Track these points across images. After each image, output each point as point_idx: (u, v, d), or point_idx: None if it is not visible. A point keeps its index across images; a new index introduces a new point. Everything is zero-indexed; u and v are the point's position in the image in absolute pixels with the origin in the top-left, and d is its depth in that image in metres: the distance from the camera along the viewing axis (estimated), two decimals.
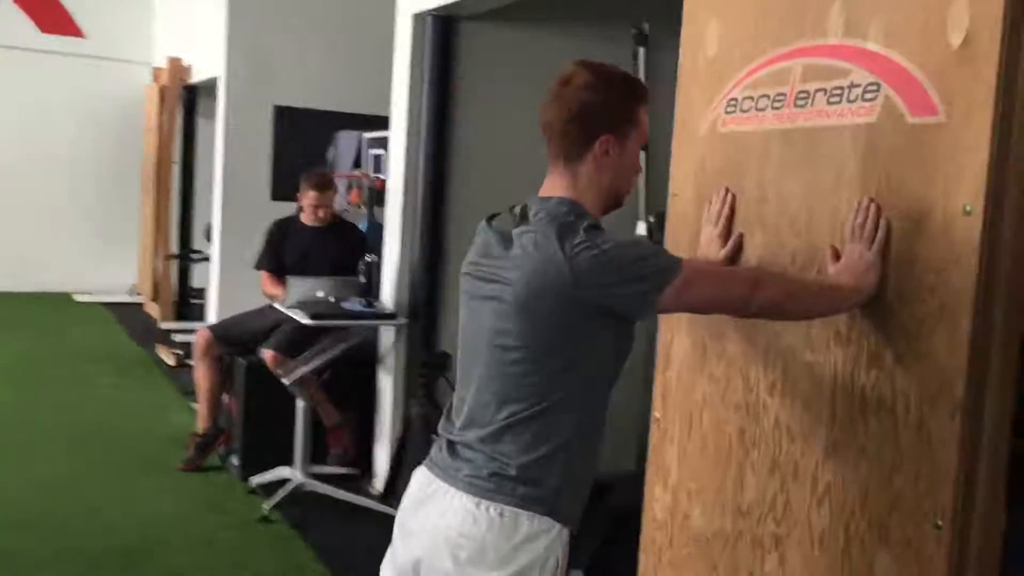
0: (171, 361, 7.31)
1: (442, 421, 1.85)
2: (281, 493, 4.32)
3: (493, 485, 1.68)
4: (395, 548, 1.83)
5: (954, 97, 1.69)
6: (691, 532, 2.30)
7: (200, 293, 8.80)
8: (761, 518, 2.10)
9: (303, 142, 6.80)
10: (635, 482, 3.84)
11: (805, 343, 1.98)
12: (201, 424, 4.96)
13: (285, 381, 4.38)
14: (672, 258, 1.71)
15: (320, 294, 4.48)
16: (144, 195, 9.84)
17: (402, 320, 4.56)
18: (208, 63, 7.90)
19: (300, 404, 4.44)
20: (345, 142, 6.20)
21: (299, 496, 4.40)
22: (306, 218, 4.92)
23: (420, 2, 4.51)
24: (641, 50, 4.26)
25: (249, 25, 6.90)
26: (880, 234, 1.80)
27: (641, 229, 4.11)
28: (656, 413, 2.42)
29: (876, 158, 1.83)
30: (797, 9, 2.02)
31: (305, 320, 4.29)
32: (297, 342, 4.55)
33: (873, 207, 1.81)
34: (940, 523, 1.71)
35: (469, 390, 1.78)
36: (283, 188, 6.84)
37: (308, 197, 4.85)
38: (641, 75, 4.20)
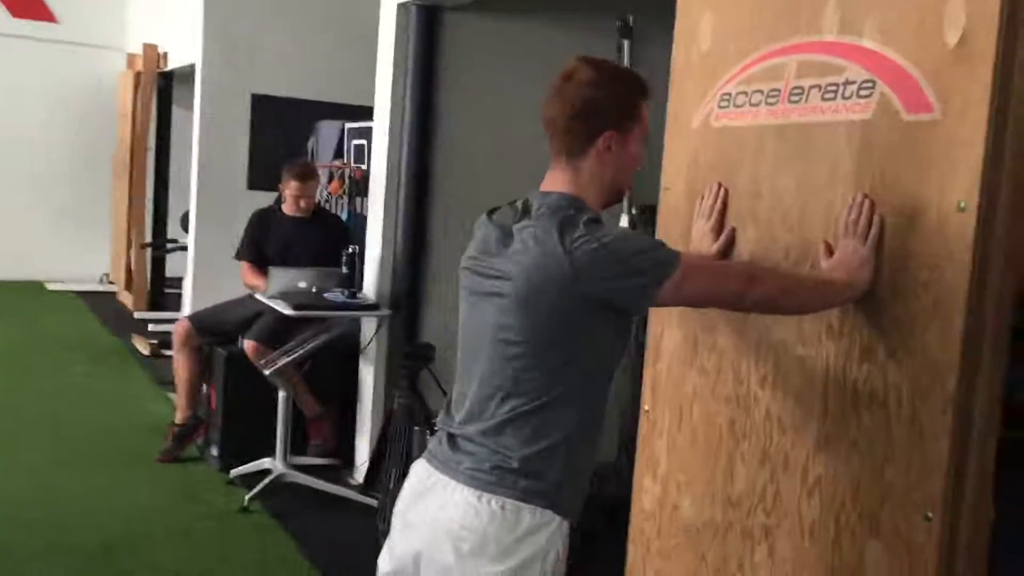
0: (146, 351, 7.26)
1: (441, 415, 1.85)
2: (262, 484, 4.30)
3: (495, 478, 1.69)
4: (393, 540, 1.83)
5: (950, 95, 1.71)
6: (680, 523, 2.32)
7: (174, 282, 8.74)
8: (751, 509, 2.12)
9: (281, 131, 6.76)
10: (616, 471, 3.89)
11: (797, 337, 2.00)
12: (179, 415, 4.93)
13: (266, 372, 4.36)
14: (671, 252, 1.72)
15: (302, 285, 4.46)
16: (117, 183, 9.74)
17: (385, 311, 4.55)
18: (184, 50, 7.82)
19: (282, 394, 4.42)
20: (326, 132, 6.16)
21: (279, 487, 4.39)
22: (288, 208, 4.90)
23: None
24: (626, 42, 4.26)
25: (227, 11, 6.84)
26: (874, 230, 1.82)
27: (624, 222, 4.12)
28: (646, 405, 2.43)
29: (871, 154, 1.85)
30: (793, 5, 2.03)
31: (288, 311, 4.27)
32: (279, 332, 4.53)
33: (867, 203, 1.83)
34: (930, 514, 1.74)
35: (471, 385, 1.78)
36: (260, 177, 6.82)
37: (290, 187, 4.82)
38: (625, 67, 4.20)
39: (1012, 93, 1.65)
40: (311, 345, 4.43)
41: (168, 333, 7.58)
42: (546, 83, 5.24)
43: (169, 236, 9.09)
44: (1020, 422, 2.17)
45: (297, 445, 4.62)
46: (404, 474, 4.31)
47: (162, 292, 9.12)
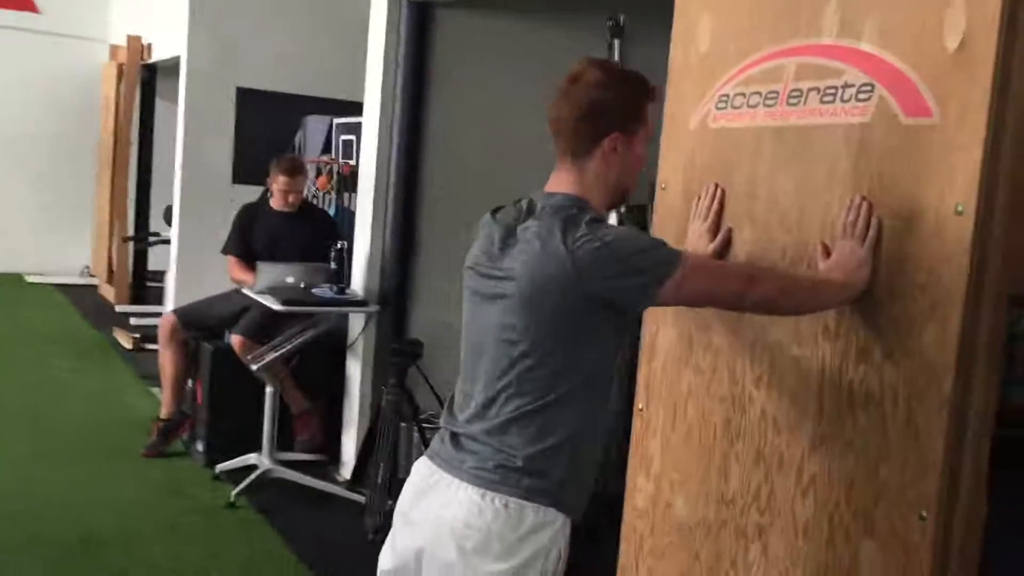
0: (129, 344, 7.21)
1: (444, 414, 1.86)
2: (248, 479, 4.29)
3: (499, 477, 1.70)
4: (395, 537, 1.84)
5: (948, 99, 1.72)
6: (674, 521, 2.33)
7: (156, 276, 8.68)
8: (745, 508, 2.13)
9: (267, 125, 6.73)
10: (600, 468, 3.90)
11: (793, 337, 2.02)
12: (165, 409, 4.91)
13: (253, 367, 4.35)
14: (672, 251, 1.73)
15: (290, 280, 4.45)
16: (100, 176, 9.67)
17: (373, 307, 4.54)
18: (169, 42, 7.77)
19: (269, 390, 4.41)
20: (314, 127, 6.14)
21: (265, 482, 4.38)
22: (276, 203, 4.88)
23: None
24: (616, 41, 4.27)
25: (214, 4, 6.79)
26: (871, 232, 1.83)
27: (612, 219, 4.14)
28: (639, 404, 2.45)
29: (869, 157, 1.87)
30: (792, 7, 2.04)
31: (276, 306, 4.26)
32: (266, 328, 4.52)
33: (865, 205, 1.85)
34: (925, 514, 1.76)
35: (475, 386, 1.79)
36: (245, 171, 6.79)
37: (278, 182, 4.80)
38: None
39: (1011, 97, 1.67)
40: (299, 340, 4.42)
41: (150, 327, 7.57)
42: (536, 81, 5.24)
43: (151, 229, 9.04)
44: (1012, 422, 2.19)
45: (283, 441, 4.61)
46: (392, 470, 4.34)
47: (144, 286, 9.07)
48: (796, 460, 2.02)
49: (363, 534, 3.98)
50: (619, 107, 1.77)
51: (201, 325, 4.84)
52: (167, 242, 7.54)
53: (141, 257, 9.13)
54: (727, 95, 2.20)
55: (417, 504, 1.79)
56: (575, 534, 1.77)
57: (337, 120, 5.82)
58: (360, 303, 4.54)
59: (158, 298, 8.27)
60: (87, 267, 10.31)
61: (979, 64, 1.67)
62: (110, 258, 9.33)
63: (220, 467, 4.53)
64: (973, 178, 1.68)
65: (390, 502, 4.03)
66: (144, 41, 8.89)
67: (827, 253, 1.91)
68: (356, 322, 4.73)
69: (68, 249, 10.19)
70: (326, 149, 5.96)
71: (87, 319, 8.29)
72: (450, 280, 4.64)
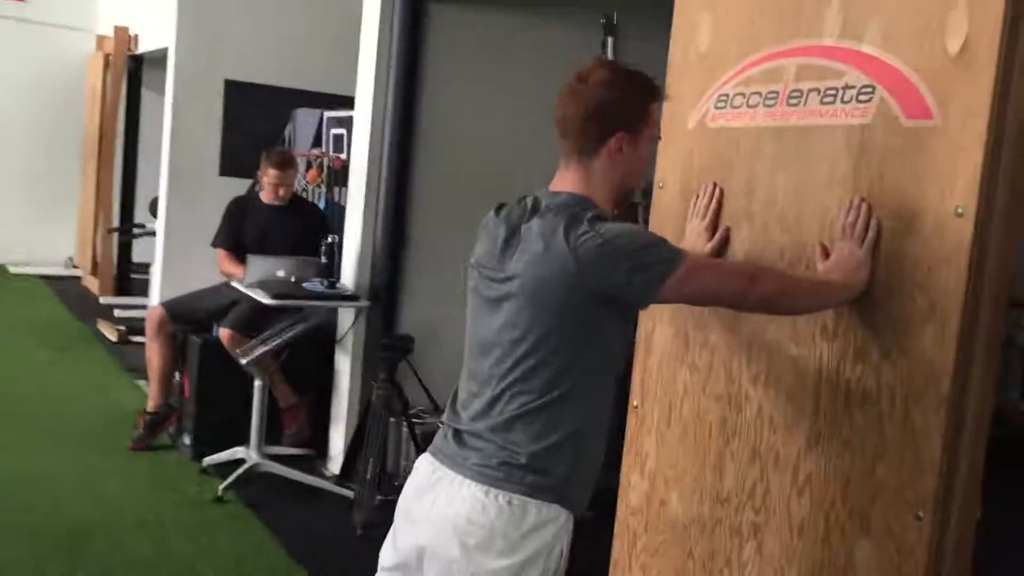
0: (113, 337, 7.17)
1: (447, 411, 1.86)
2: (236, 473, 4.27)
3: (502, 474, 1.70)
4: (397, 534, 1.83)
5: (950, 101, 1.74)
6: (668, 519, 2.34)
7: (141, 268, 8.64)
8: (740, 506, 2.15)
9: (255, 118, 6.69)
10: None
11: (791, 336, 2.03)
12: (152, 402, 4.88)
13: (242, 361, 4.33)
14: (674, 248, 1.74)
15: (280, 274, 4.43)
16: (85, 166, 9.60)
17: (363, 302, 4.53)
18: (157, 33, 7.72)
19: (257, 383, 4.39)
20: (304, 120, 6.12)
21: (253, 476, 4.36)
22: (266, 196, 4.86)
23: None
24: (609, 39, 4.30)
25: None
26: (871, 233, 1.84)
27: None
28: (634, 401, 2.45)
29: (869, 159, 1.88)
30: (794, 8, 2.05)
31: (267, 300, 4.24)
32: (255, 321, 4.50)
33: (864, 206, 1.86)
34: (921, 513, 1.77)
35: (480, 383, 1.79)
36: (233, 164, 6.75)
37: (269, 175, 4.78)
38: None
39: (1012, 101, 1.68)
40: (288, 335, 4.41)
41: (135, 319, 7.55)
42: (529, 77, 5.29)
43: (136, 221, 8.98)
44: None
45: (270, 434, 4.59)
46: (381, 466, 4.34)
47: (128, 277, 9.02)
48: (792, 459, 2.03)
49: (352, 529, 3.98)
50: (625, 107, 1.77)
51: (189, 318, 4.82)
52: (152, 234, 7.50)
53: (126, 249, 9.08)
54: (726, 95, 2.21)
55: (420, 500, 1.79)
56: (576, 529, 1.78)
57: (328, 113, 5.80)
58: (351, 298, 4.53)
59: (142, 290, 8.23)
60: (71, 258, 10.24)
61: (981, 67, 1.69)
62: (95, 249, 9.26)
63: (207, 461, 4.51)
64: (974, 181, 1.69)
65: (379, 497, 4.04)
66: (131, 32, 8.83)
67: (826, 254, 1.92)
68: (345, 316, 4.71)
69: (52, 240, 10.12)
70: (316, 143, 5.93)
71: (71, 311, 8.24)
72: (441, 276, 4.69)
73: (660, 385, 2.37)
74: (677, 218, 2.31)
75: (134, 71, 9.03)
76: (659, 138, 1.90)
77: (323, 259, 4.54)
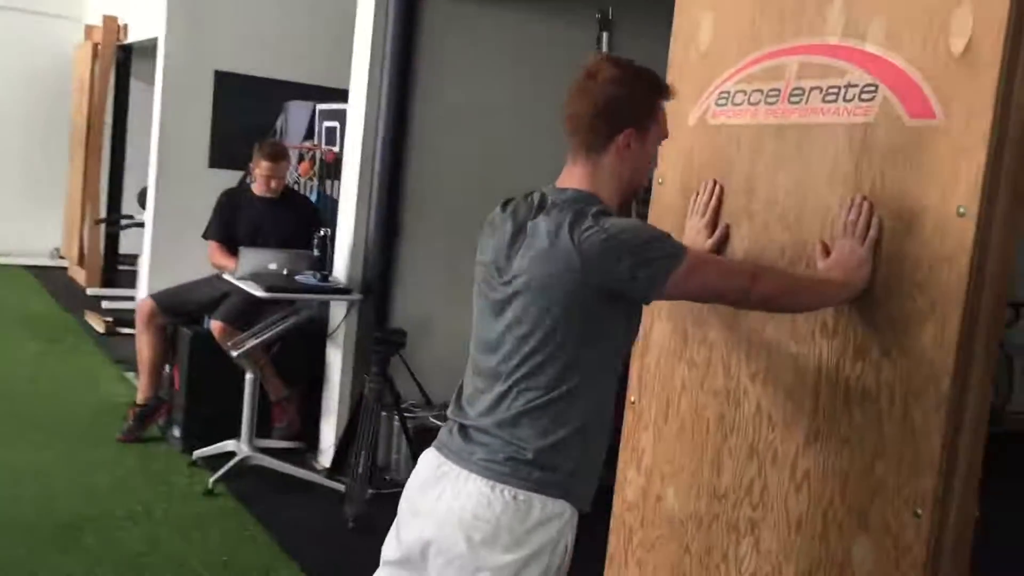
0: (101, 328, 7.14)
1: (451, 407, 1.87)
2: (227, 466, 4.26)
3: (508, 469, 1.70)
4: (400, 527, 1.83)
5: (953, 101, 1.75)
6: (664, 514, 2.35)
7: (129, 259, 8.59)
8: (737, 502, 2.15)
9: (246, 110, 6.66)
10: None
11: (790, 334, 2.04)
12: (141, 394, 4.86)
13: (234, 353, 4.32)
14: (677, 244, 1.75)
15: (273, 266, 4.42)
16: (72, 157, 9.53)
17: (356, 296, 4.52)
18: (146, 23, 7.67)
19: (249, 376, 4.38)
20: (296, 112, 6.09)
21: (243, 469, 4.35)
22: (258, 189, 4.84)
23: None
24: (604, 34, 4.29)
25: None
26: (872, 232, 1.85)
27: None
28: (632, 397, 2.46)
29: (871, 157, 1.88)
30: (796, 6, 2.06)
31: (259, 292, 4.23)
32: (246, 314, 4.49)
33: (866, 204, 1.87)
34: (920, 511, 1.78)
35: (487, 380, 1.79)
36: (222, 156, 6.73)
37: (261, 167, 4.76)
38: None
39: (1015, 101, 1.69)
40: (280, 327, 4.39)
41: (123, 310, 7.51)
42: (524, 72, 5.26)
43: (124, 212, 8.93)
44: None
45: (261, 427, 4.58)
46: (373, 458, 4.33)
47: (115, 269, 8.96)
48: (790, 455, 2.04)
49: (343, 522, 3.98)
50: (635, 103, 1.78)
51: (180, 310, 4.80)
52: (140, 225, 7.46)
53: (113, 240, 9.02)
54: (727, 92, 2.21)
55: (424, 495, 1.79)
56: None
57: (321, 106, 5.78)
58: (343, 291, 4.52)
59: (129, 282, 8.19)
60: (57, 249, 10.17)
61: (985, 67, 1.69)
62: (82, 240, 9.20)
63: (197, 453, 4.49)
64: (976, 181, 1.70)
65: (371, 491, 4.04)
66: (120, 21, 8.76)
67: (826, 252, 1.93)
68: (337, 310, 4.71)
69: (38, 231, 10.04)
70: (309, 135, 5.91)
71: (59, 302, 8.19)
72: (434, 269, 4.68)
73: (658, 381, 2.38)
74: (677, 215, 2.31)
75: (123, 61, 8.96)
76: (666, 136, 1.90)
77: (316, 252, 4.53)
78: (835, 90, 1.96)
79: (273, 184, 4.79)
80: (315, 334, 4.77)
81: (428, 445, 1.89)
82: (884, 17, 1.87)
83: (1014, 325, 5.88)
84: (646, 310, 2.39)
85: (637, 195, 1.87)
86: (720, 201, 2.20)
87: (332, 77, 5.73)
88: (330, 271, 4.65)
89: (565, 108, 1.79)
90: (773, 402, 2.08)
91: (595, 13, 4.27)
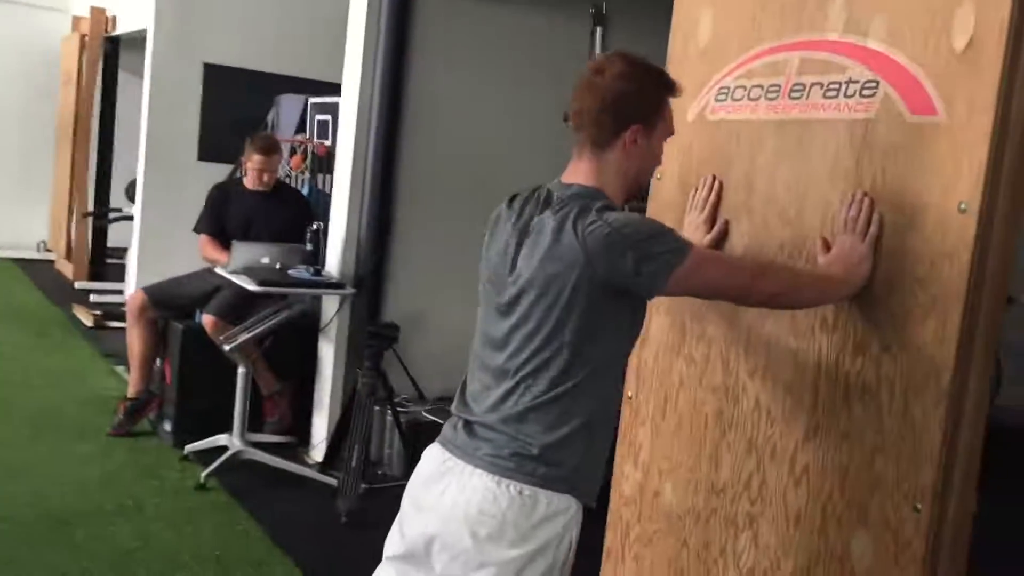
0: (89, 322, 7.10)
1: (455, 402, 1.87)
2: (220, 460, 4.25)
3: (514, 464, 1.70)
4: (403, 523, 1.83)
5: (955, 98, 1.75)
6: (661, 509, 2.35)
7: (117, 252, 8.55)
8: (735, 497, 2.16)
9: (235, 103, 6.63)
10: None
11: (789, 329, 2.04)
12: (132, 388, 4.83)
13: (226, 348, 4.30)
14: (681, 240, 1.75)
15: (266, 260, 4.40)
16: (59, 149, 9.47)
17: (349, 290, 4.51)
18: (135, 14, 7.62)
19: (241, 370, 4.36)
20: (288, 105, 6.07)
21: (235, 464, 4.33)
22: (250, 182, 4.81)
23: None
24: (598, 29, 4.29)
25: None
26: (873, 228, 1.86)
27: None
28: (629, 392, 2.46)
29: (872, 153, 1.89)
30: (797, 2, 2.06)
31: (252, 286, 4.21)
32: (238, 308, 4.47)
33: (867, 201, 1.87)
34: (920, 506, 1.79)
35: (493, 376, 1.79)
36: (212, 149, 6.70)
37: (253, 160, 4.74)
38: (597, 54, 4.23)
39: (1017, 99, 1.70)
40: (272, 322, 4.37)
41: (111, 304, 7.48)
42: (518, 66, 5.24)
43: (111, 205, 8.88)
44: None
45: (252, 422, 4.56)
46: (366, 453, 4.32)
47: (103, 262, 8.92)
48: (789, 450, 2.04)
49: (336, 517, 3.97)
50: (642, 100, 1.78)
51: (172, 304, 4.77)
52: (129, 218, 7.43)
53: (100, 233, 8.98)
54: (727, 87, 2.21)
55: (428, 490, 1.79)
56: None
57: (312, 99, 5.76)
58: (336, 285, 4.51)
59: (117, 275, 8.15)
60: (43, 242, 10.11)
61: (987, 64, 1.70)
62: (69, 234, 9.15)
63: (189, 448, 4.47)
64: (978, 177, 1.71)
65: (363, 485, 4.04)
66: (108, 13, 8.70)
67: (827, 247, 1.93)
68: (329, 304, 4.69)
69: (25, 223, 9.98)
70: (300, 128, 5.89)
71: (46, 295, 8.14)
72: (427, 264, 4.68)
73: (656, 376, 2.38)
74: (676, 210, 2.31)
75: (111, 53, 8.90)
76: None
77: (308, 246, 4.51)
78: (836, 86, 1.97)
79: (265, 178, 4.77)
80: (307, 328, 4.76)
81: (421, 439, 1.89)
82: (886, 14, 1.88)
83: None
84: None
85: (642, 192, 1.87)
86: (719, 197, 2.20)
87: (324, 70, 5.71)
88: (323, 265, 4.64)
89: (572, 103, 1.79)
90: (772, 397, 2.09)
91: (589, 8, 4.28)
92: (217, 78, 6.81)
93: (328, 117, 5.41)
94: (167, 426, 4.75)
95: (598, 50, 4.25)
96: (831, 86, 1.98)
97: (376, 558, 1.91)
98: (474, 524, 1.69)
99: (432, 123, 4.62)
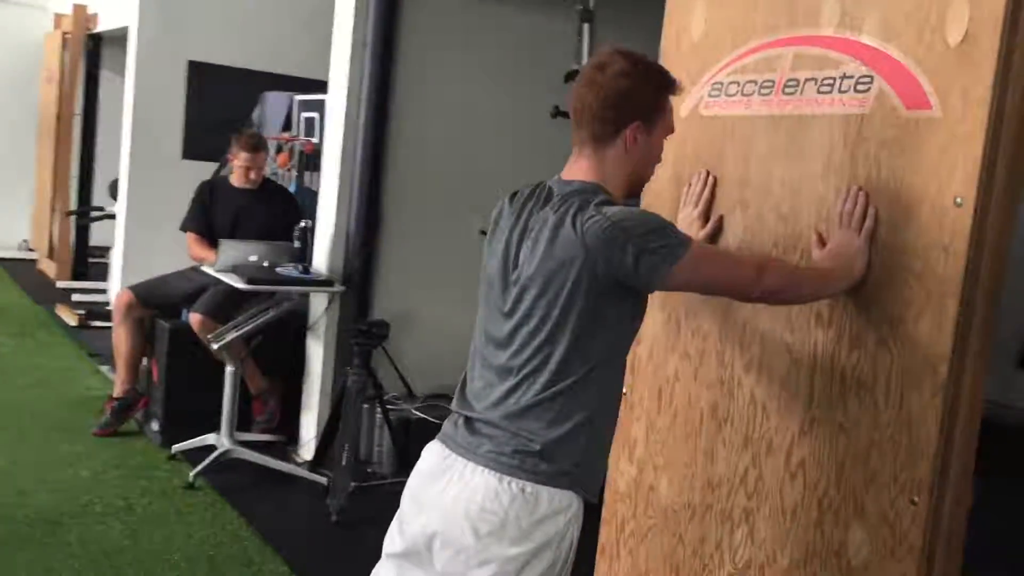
0: (73, 321, 7.04)
1: (456, 399, 1.86)
2: (208, 459, 4.23)
3: (516, 461, 1.70)
4: (403, 520, 1.82)
5: (949, 93, 1.76)
6: (657, 504, 2.35)
7: (99, 252, 8.49)
8: (731, 491, 2.16)
9: (219, 101, 6.59)
10: None
11: (785, 324, 2.05)
12: (119, 388, 4.80)
13: (214, 346, 4.27)
14: (681, 234, 1.75)
15: (254, 258, 4.38)
16: (41, 148, 9.40)
17: (338, 288, 4.50)
18: (117, 11, 7.57)
19: (229, 369, 4.34)
20: (273, 103, 6.04)
21: (224, 463, 4.31)
22: (236, 180, 4.79)
23: None
24: (586, 26, 4.28)
25: None
26: (868, 222, 1.86)
27: None
28: (624, 387, 2.45)
29: (867, 148, 1.89)
30: None
31: (241, 284, 4.19)
32: (226, 306, 4.45)
33: (862, 195, 1.88)
34: (916, 499, 1.80)
35: (497, 373, 1.79)
36: (196, 147, 6.67)
37: (240, 158, 4.71)
38: (585, 51, 4.23)
39: (1011, 92, 1.70)
40: (260, 320, 4.36)
41: (94, 303, 7.42)
42: (505, 63, 5.23)
43: (94, 204, 8.81)
44: None
45: (240, 421, 4.54)
46: (356, 451, 4.31)
47: (86, 261, 8.85)
48: (785, 444, 2.05)
49: (326, 515, 3.96)
50: (643, 97, 1.78)
51: (159, 303, 4.75)
52: (111, 217, 7.37)
53: (83, 232, 8.91)
54: (720, 83, 2.22)
55: (429, 487, 1.78)
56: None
57: (299, 97, 5.73)
58: (325, 283, 4.49)
59: (100, 274, 8.10)
60: (25, 241, 10.03)
61: (981, 59, 1.70)
62: (51, 233, 9.07)
63: (177, 447, 4.45)
64: (973, 171, 1.72)
65: (353, 483, 4.02)
66: (90, 10, 8.64)
67: (822, 242, 1.94)
68: (317, 302, 4.67)
69: (6, 222, 9.89)
70: (287, 126, 5.86)
71: (29, 295, 8.08)
72: (416, 261, 4.66)
73: (651, 371, 2.38)
74: (669, 205, 2.31)
75: (93, 50, 8.84)
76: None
77: (296, 244, 4.49)
78: (830, 81, 1.97)
79: (252, 175, 4.75)
80: (296, 327, 4.74)
81: (411, 437, 1.88)
82: (880, 8, 1.88)
83: None
84: None
85: (640, 189, 1.87)
86: (713, 192, 2.20)
87: (310, 68, 5.69)
88: (311, 263, 4.62)
89: (572, 100, 1.79)
90: (768, 392, 2.09)
91: (576, 4, 4.27)
92: (201, 75, 6.77)
93: (315, 114, 5.39)
94: (155, 426, 4.72)
95: (585, 47, 4.23)
96: (825, 81, 1.98)
97: (366, 556, 1.90)
98: (476, 521, 1.68)
99: (420, 120, 4.60)
